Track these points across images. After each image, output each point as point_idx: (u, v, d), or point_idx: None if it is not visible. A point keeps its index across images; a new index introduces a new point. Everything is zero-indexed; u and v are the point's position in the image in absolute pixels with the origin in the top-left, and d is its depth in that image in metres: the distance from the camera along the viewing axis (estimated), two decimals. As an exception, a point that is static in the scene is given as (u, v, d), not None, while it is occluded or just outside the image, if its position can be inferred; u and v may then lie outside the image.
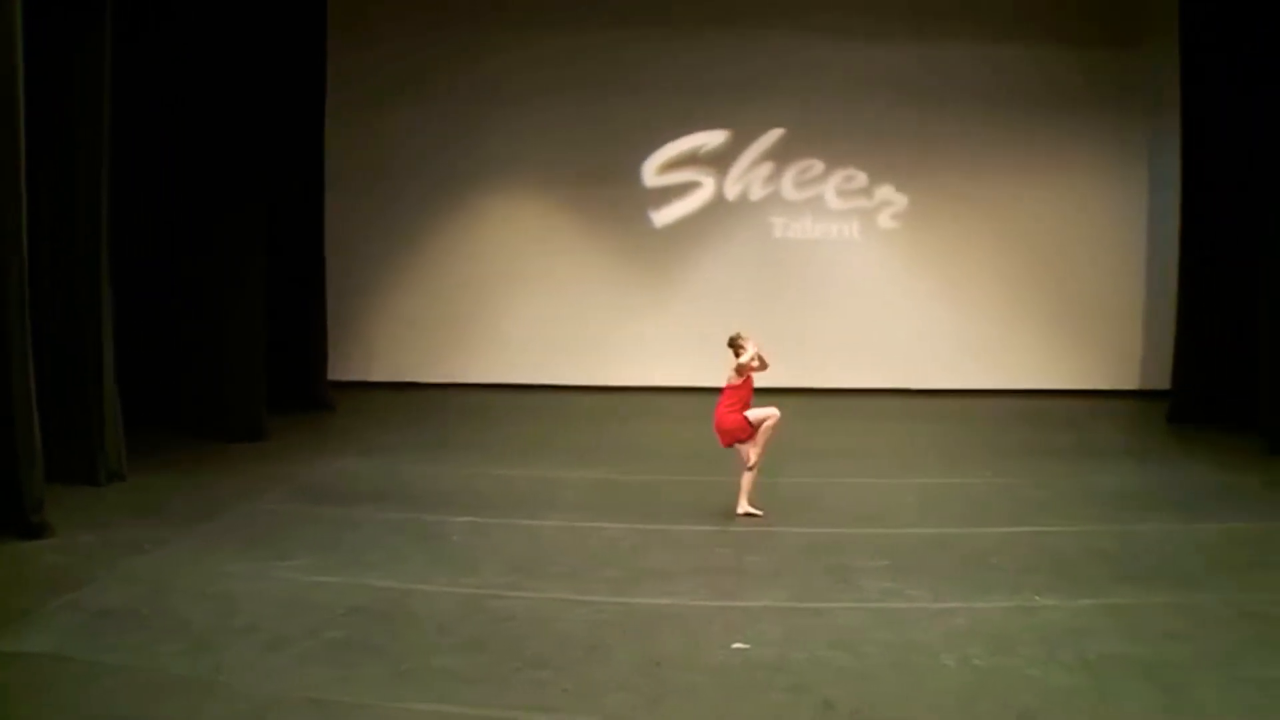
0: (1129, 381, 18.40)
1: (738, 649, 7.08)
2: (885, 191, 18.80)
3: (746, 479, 10.33)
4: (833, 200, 18.82)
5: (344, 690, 6.42)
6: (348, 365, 18.28)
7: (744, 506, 10.32)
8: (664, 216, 18.95)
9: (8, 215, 9.47)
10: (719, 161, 18.87)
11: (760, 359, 10.44)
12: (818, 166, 18.77)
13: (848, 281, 18.71)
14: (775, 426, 10.33)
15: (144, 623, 7.45)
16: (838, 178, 18.79)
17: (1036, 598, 8.05)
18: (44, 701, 6.31)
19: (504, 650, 7.07)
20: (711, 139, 18.82)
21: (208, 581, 8.38)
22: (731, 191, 18.89)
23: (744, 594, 8.27)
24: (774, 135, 18.73)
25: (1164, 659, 6.88)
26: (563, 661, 6.90)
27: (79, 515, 10.04)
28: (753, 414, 10.30)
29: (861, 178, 18.79)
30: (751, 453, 10.31)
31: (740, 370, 10.38)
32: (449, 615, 7.70)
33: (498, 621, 7.60)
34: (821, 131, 18.63)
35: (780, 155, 18.79)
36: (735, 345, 10.50)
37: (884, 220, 18.85)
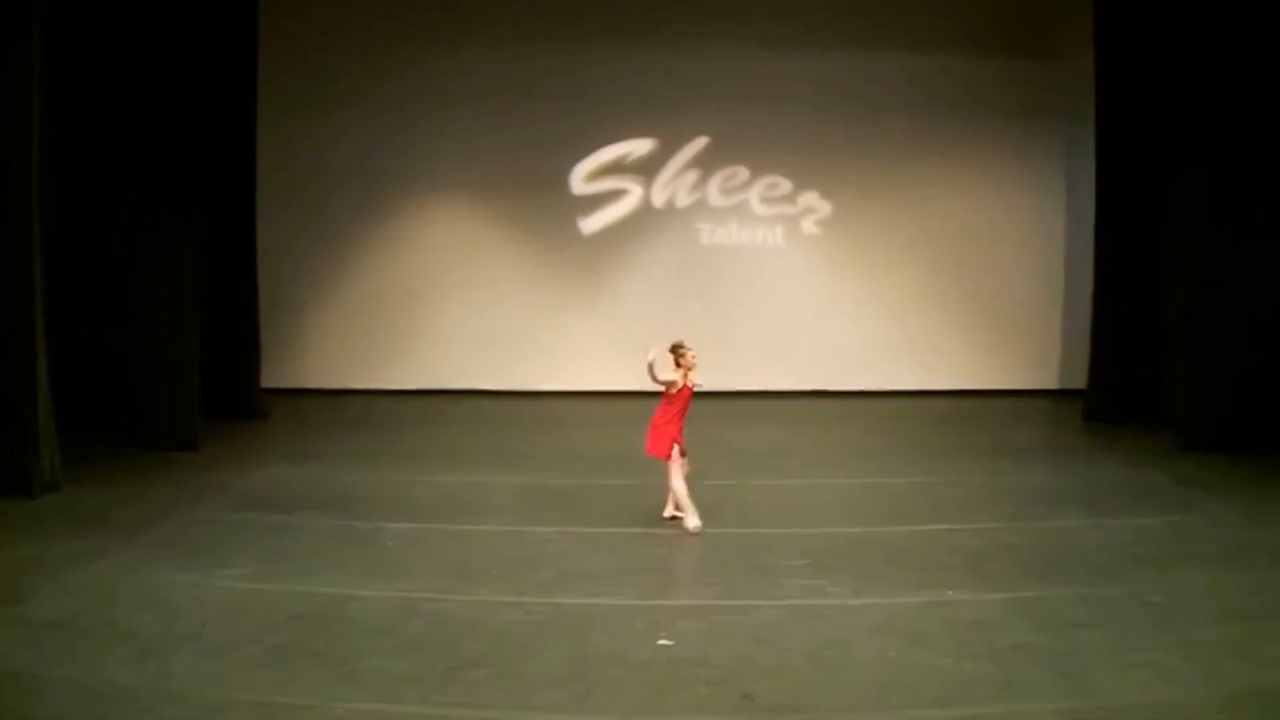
0: (1048, 381, 18.85)
1: (663, 645, 7.42)
2: (809, 198, 19.10)
3: (679, 484, 10.40)
4: (757, 207, 19.11)
5: (288, 693, 6.65)
6: (281, 372, 18.28)
7: (670, 509, 10.52)
8: (592, 223, 19.14)
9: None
10: (646, 169, 19.07)
11: (678, 383, 10.28)
12: (743, 173, 19.04)
13: (772, 286, 18.98)
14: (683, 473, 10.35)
15: (89, 634, 7.56)
16: (762, 185, 19.08)
17: (949, 593, 8.45)
18: (-12, 714, 6.44)
19: (440, 651, 7.34)
20: (638, 147, 19.03)
21: (150, 591, 8.49)
22: (658, 199, 19.13)
23: (670, 593, 8.66)
24: (699, 143, 18.98)
25: (1066, 648, 7.29)
26: (496, 660, 7.18)
27: (15, 528, 10.12)
28: (675, 455, 10.30)
29: (786, 184, 19.09)
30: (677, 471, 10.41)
31: (667, 385, 10.30)
32: (387, 619, 7.94)
33: (434, 624, 7.86)
34: (746, 139, 18.89)
35: (706, 163, 19.03)
36: (676, 353, 10.40)
37: (808, 226, 19.16)
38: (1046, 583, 8.73)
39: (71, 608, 8.10)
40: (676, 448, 10.26)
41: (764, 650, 7.33)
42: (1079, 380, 17.38)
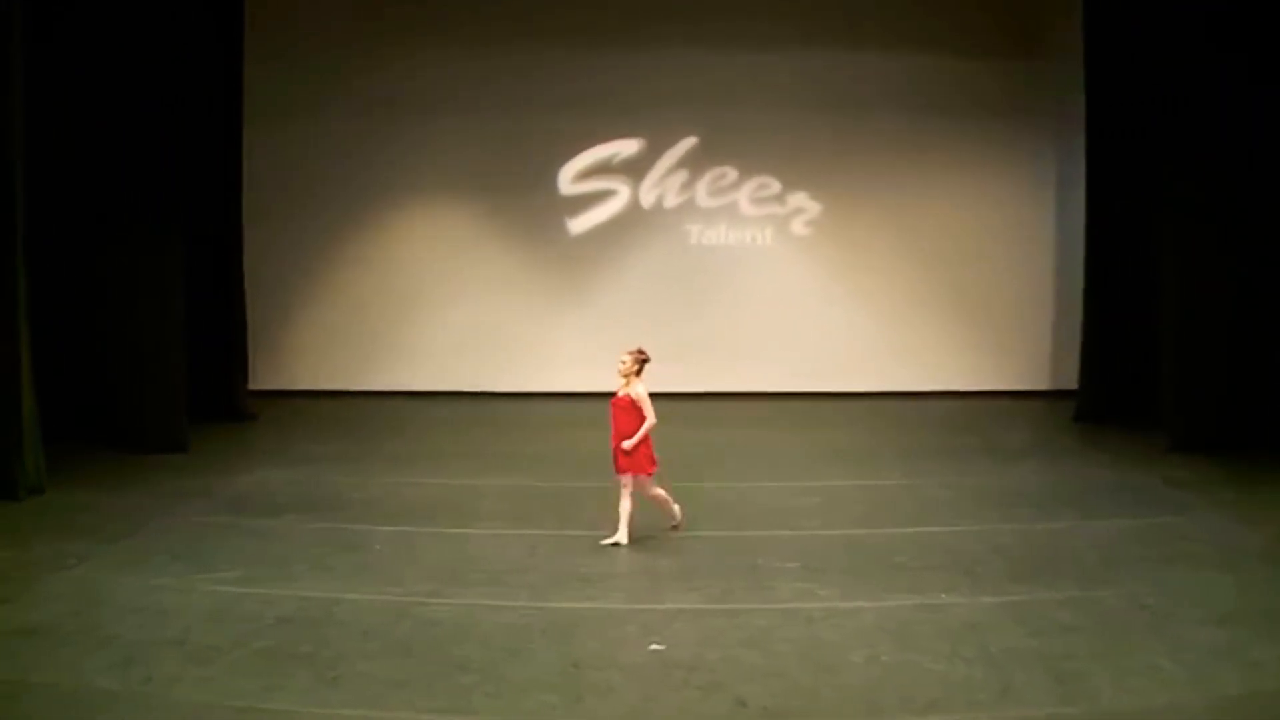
0: (1039, 382, 18.77)
1: (654, 649, 7.36)
2: (798, 198, 19.02)
3: (660, 492, 10.23)
4: (746, 207, 19.02)
5: (273, 698, 6.58)
6: (268, 375, 18.25)
7: (675, 517, 10.32)
8: (580, 224, 19.06)
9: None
10: (634, 169, 18.99)
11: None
12: (731, 174, 18.97)
13: (762, 287, 18.89)
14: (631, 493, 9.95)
15: (70, 639, 7.48)
16: (751, 185, 19.00)
17: (942, 595, 8.41)
18: (-36, 724, 6.36)
19: (429, 655, 7.27)
20: (626, 147, 18.95)
21: (134, 596, 8.42)
22: (647, 199, 19.04)
23: (660, 597, 8.55)
24: (688, 143, 18.91)
25: (1062, 651, 7.24)
26: (486, 664, 7.11)
27: None
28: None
29: (775, 185, 19.00)
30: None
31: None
32: (375, 623, 7.88)
33: (422, 627, 7.79)
34: (735, 139, 18.82)
35: (694, 163, 18.95)
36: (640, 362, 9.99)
37: (797, 227, 19.08)
38: (1039, 585, 8.68)
39: (51, 612, 8.01)
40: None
41: (756, 654, 7.27)
42: (1070, 381, 17.33)
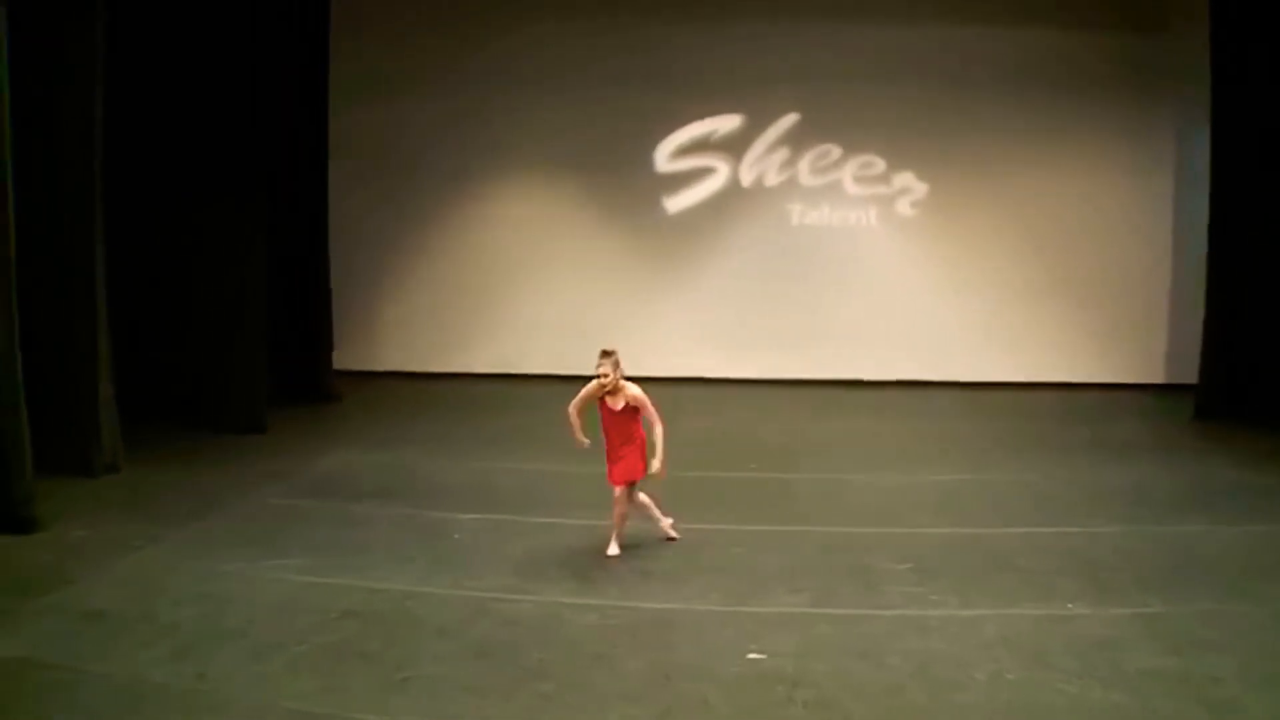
0: (1153, 375, 17.91)
1: (753, 659, 6.70)
2: (904, 178, 18.32)
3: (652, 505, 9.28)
4: (850, 187, 18.36)
5: (333, 701, 6.09)
6: (354, 355, 17.93)
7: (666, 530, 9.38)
8: (677, 203, 18.55)
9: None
10: (733, 147, 18.43)
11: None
12: (835, 152, 18.31)
13: (865, 270, 18.27)
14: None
15: (128, 626, 7.16)
16: (855, 164, 18.33)
17: (1069, 605, 7.64)
18: (14, 710, 6.00)
19: (505, 659, 6.72)
20: (725, 124, 18.39)
21: (198, 582, 8.09)
22: (747, 177, 18.45)
23: (760, 598, 7.86)
24: (789, 120, 18.28)
25: (1207, 673, 6.48)
26: (567, 671, 6.54)
27: (70, 510, 9.78)
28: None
29: (880, 164, 18.32)
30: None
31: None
32: (449, 620, 7.35)
33: (500, 627, 7.25)
34: (839, 116, 18.17)
35: (796, 141, 18.33)
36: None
37: (903, 208, 18.38)
38: (1171, 596, 7.87)
39: (114, 597, 7.71)
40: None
41: (867, 667, 6.58)
42: (1187, 375, 16.42)
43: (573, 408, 9.06)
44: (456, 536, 9.34)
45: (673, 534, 9.26)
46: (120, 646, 6.82)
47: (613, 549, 8.90)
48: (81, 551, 8.72)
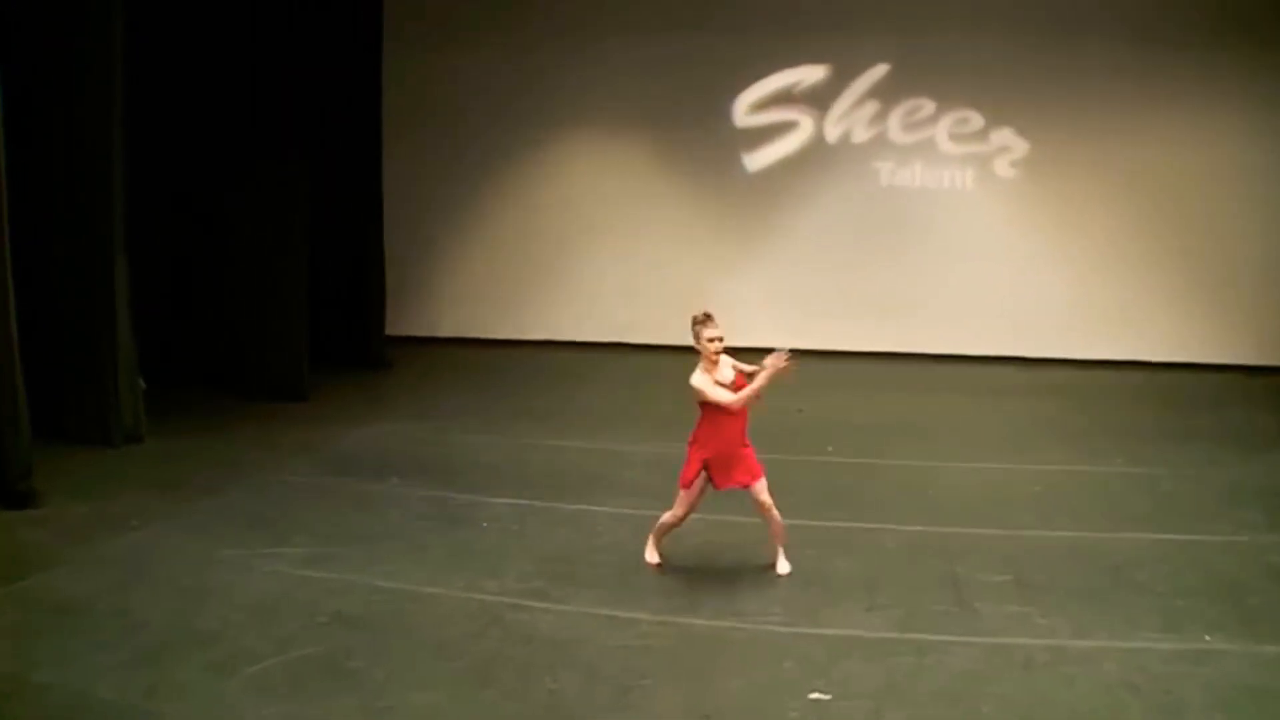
0: (1276, 357, 16.50)
1: (815, 699, 5.51)
2: (1003, 136, 17.08)
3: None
4: (945, 144, 17.17)
5: (296, 735, 5.06)
6: (408, 320, 17.20)
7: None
8: (757, 160, 17.51)
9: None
10: (818, 100, 17.35)
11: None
12: (928, 107, 17.13)
13: (960, 235, 17.10)
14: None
15: (94, 623, 6.44)
16: (950, 120, 17.12)
17: (1206, 638, 6.32)
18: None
19: (513, 686, 5.67)
20: (808, 75, 17.29)
21: (185, 571, 7.27)
22: (832, 133, 17.36)
23: (827, 616, 6.64)
24: (879, 71, 17.14)
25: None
26: (586, 705, 5.46)
27: (79, 483, 9.21)
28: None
29: (977, 120, 17.08)
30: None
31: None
32: (453, 633, 6.34)
33: (512, 643, 6.19)
34: (932, 68, 16.99)
35: (886, 94, 17.19)
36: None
37: (1001, 168, 17.15)
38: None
39: (90, 586, 7.01)
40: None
41: (959, 713, 5.36)
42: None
43: (733, 399, 7.49)
44: (485, 525, 8.31)
45: (784, 565, 7.53)
46: (76, 648, 6.07)
47: (652, 555, 7.60)
48: (75, 530, 8.09)
